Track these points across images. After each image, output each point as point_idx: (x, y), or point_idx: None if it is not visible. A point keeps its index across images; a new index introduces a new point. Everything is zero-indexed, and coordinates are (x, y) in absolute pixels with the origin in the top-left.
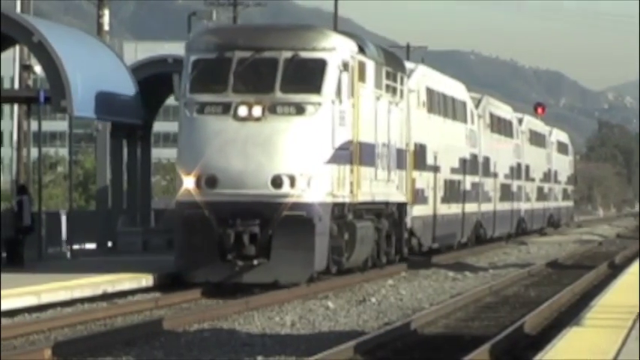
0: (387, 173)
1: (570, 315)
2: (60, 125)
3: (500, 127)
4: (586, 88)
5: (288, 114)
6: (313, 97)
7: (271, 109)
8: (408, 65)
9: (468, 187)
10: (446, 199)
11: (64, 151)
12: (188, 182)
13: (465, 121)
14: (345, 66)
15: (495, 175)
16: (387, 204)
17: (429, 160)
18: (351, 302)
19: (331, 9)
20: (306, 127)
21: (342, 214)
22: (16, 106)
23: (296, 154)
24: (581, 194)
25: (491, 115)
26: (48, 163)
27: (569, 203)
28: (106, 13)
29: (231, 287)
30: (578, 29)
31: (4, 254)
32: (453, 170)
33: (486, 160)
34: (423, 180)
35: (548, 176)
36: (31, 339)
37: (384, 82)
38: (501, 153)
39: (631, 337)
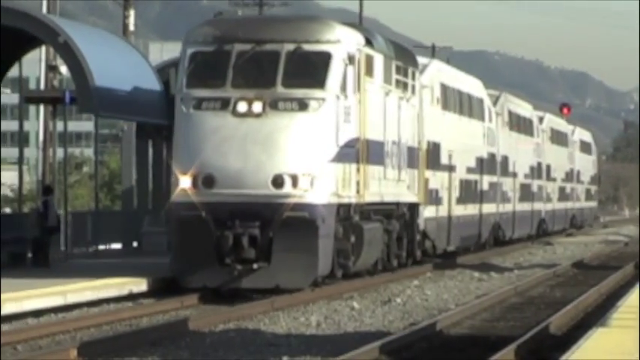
0: (398, 172)
1: (596, 315)
2: (85, 125)
3: (520, 125)
4: (612, 89)
5: (290, 110)
6: (317, 92)
7: (272, 105)
8: (422, 60)
9: (485, 187)
10: (462, 200)
11: (89, 152)
12: (184, 182)
13: (482, 118)
14: (351, 59)
15: (514, 175)
16: (397, 204)
17: (444, 160)
18: (377, 303)
19: (357, 9)
20: (309, 123)
21: (348, 215)
22: (41, 107)
23: (298, 152)
24: (606, 194)
25: (510, 113)
26: (73, 163)
27: (593, 204)
28: (132, 13)
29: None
30: (603, 29)
31: (29, 254)
32: (470, 170)
33: (505, 159)
34: (437, 180)
35: (570, 176)
36: (57, 339)
37: (394, 76)
38: (521, 152)
39: None
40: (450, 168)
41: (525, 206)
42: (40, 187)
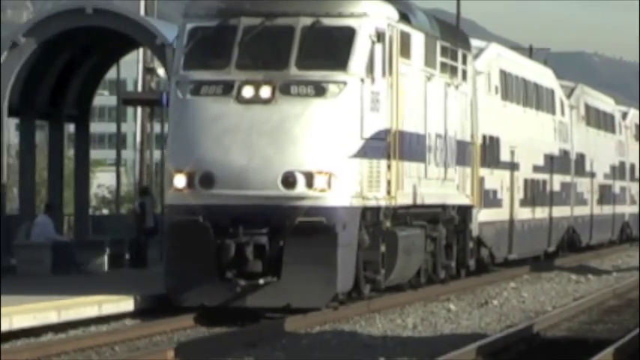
0: (444, 170)
1: None
2: None
3: (600, 120)
4: None
5: (304, 95)
6: (337, 75)
7: (283, 90)
8: (477, 43)
9: (556, 188)
10: (527, 202)
11: None
12: (179, 181)
13: (552, 111)
14: (380, 36)
15: (592, 175)
16: (444, 207)
17: (504, 156)
18: (473, 305)
19: (453, 10)
20: (327, 111)
21: (377, 220)
22: (139, 109)
23: (314, 145)
24: None
25: (587, 107)
26: None
27: None
28: None
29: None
30: None
31: (127, 256)
32: (537, 168)
33: (580, 157)
34: (495, 179)
35: None
36: (154, 340)
37: (439, 59)
38: (600, 150)
39: None
40: (512, 166)
41: (605, 209)
42: (137, 189)
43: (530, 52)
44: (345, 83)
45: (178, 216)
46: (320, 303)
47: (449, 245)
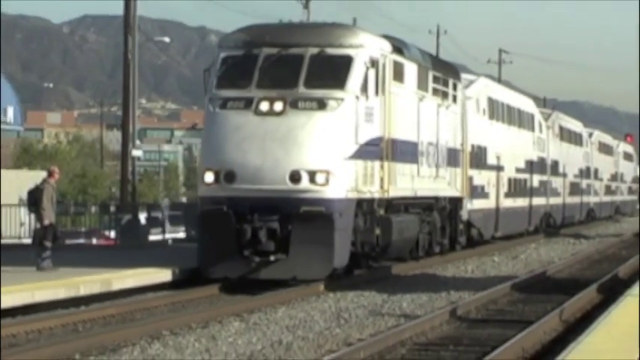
0: (435, 170)
1: None
2: None
3: (570, 137)
4: None
5: (309, 109)
6: (336, 93)
7: (293, 104)
8: (469, 77)
9: (535, 184)
10: (510, 194)
11: None
12: (208, 177)
13: (532, 129)
14: (374, 63)
15: (565, 175)
16: (437, 199)
17: (491, 160)
18: (509, 258)
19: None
20: (327, 121)
21: (372, 209)
22: None
23: (316, 149)
24: None
25: (561, 127)
26: None
27: (634, 197)
28: None
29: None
30: None
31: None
32: (519, 170)
33: (555, 162)
34: (483, 177)
35: (615, 177)
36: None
37: (431, 85)
38: (570, 158)
39: None
40: (498, 168)
41: (575, 199)
42: None
43: (544, 102)
44: (342, 99)
45: (207, 205)
46: (320, 275)
47: (443, 227)
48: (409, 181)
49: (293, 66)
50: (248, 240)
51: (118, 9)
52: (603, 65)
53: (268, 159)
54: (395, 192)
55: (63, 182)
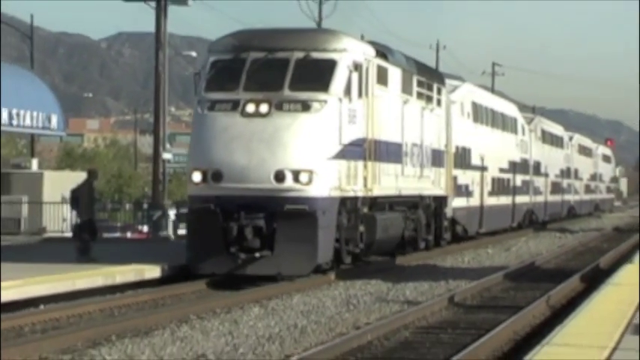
0: (420, 170)
1: (627, 257)
2: None
3: (552, 140)
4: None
5: (294, 111)
6: (320, 95)
7: (278, 106)
8: (454, 82)
9: (518, 183)
10: (494, 193)
11: None
12: (196, 177)
13: (515, 132)
14: (357, 67)
15: (546, 175)
16: (421, 197)
17: (475, 161)
18: (501, 249)
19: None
20: (311, 123)
21: (356, 207)
22: None
23: (300, 149)
24: (630, 190)
25: (543, 131)
26: None
27: (611, 196)
28: None
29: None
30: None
31: None
32: (502, 170)
33: (537, 163)
34: (467, 177)
35: (594, 177)
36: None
37: (415, 89)
38: (552, 159)
39: None
40: (482, 168)
41: (557, 197)
42: None
43: (533, 110)
44: (326, 101)
45: (196, 204)
46: (304, 271)
47: (428, 224)
48: (393, 181)
49: (279, 69)
50: (234, 237)
51: (150, 26)
52: (587, 76)
53: (254, 159)
54: (379, 191)
55: (101, 182)
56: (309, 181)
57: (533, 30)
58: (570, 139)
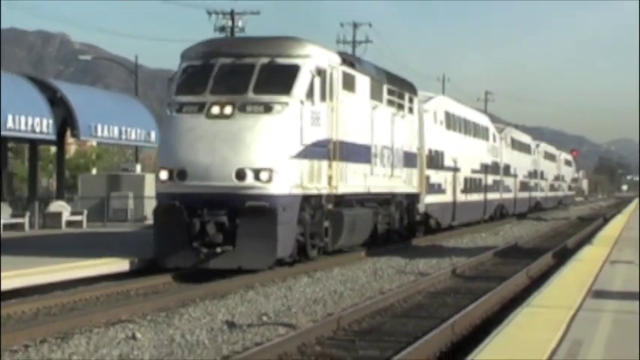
0: (390, 170)
1: (588, 240)
2: None
3: (521, 147)
4: (595, 142)
5: (256, 112)
6: (282, 98)
7: (241, 108)
8: (428, 94)
9: (490, 182)
10: (466, 191)
11: None
12: (162, 175)
13: (487, 139)
14: (320, 72)
15: (516, 176)
16: (393, 195)
17: (447, 163)
18: (491, 233)
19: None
20: (273, 124)
21: (320, 204)
22: None
23: (261, 148)
24: (590, 188)
25: (512, 139)
26: None
27: (572, 193)
28: None
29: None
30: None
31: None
32: (474, 171)
33: (507, 166)
34: (440, 176)
35: (557, 177)
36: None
37: (385, 96)
38: (521, 163)
39: (615, 248)
40: (455, 169)
41: (525, 194)
42: None
43: (516, 127)
44: (287, 104)
45: (162, 201)
46: (264, 265)
47: (401, 219)
48: (361, 179)
49: (245, 74)
50: (197, 233)
51: None
52: (557, 100)
53: (217, 158)
54: (345, 188)
55: None
56: (269, 179)
57: (517, 67)
58: (537, 146)
